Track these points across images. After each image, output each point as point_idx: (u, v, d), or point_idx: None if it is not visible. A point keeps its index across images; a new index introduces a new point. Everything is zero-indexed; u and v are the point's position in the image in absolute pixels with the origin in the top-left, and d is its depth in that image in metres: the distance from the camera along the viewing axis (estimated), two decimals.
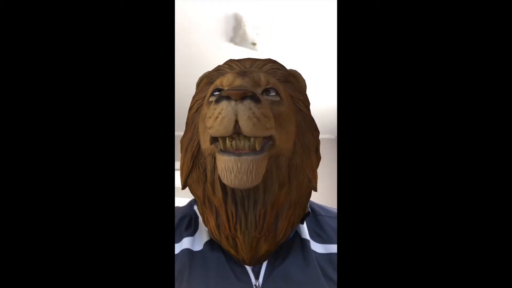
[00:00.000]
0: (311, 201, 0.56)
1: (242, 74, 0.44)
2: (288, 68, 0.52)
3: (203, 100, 0.47)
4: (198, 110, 0.48)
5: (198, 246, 0.48)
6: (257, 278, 0.45)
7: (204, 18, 1.54)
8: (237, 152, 0.38)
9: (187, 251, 0.47)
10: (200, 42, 1.70)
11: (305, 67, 1.87)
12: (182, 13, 1.49)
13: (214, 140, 0.41)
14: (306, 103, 0.50)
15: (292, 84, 0.50)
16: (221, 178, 0.39)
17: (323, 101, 2.23)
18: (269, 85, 0.44)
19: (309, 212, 0.50)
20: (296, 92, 0.49)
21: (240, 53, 1.75)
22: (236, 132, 0.37)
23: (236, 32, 1.62)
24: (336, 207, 0.56)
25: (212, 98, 0.43)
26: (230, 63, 0.50)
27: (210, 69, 0.52)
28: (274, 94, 0.44)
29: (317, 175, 0.47)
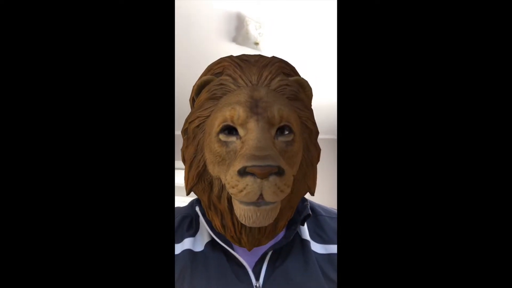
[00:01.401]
0: (311, 201, 0.56)
1: (254, 110, 0.42)
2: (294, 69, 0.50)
3: (206, 118, 0.45)
4: (200, 126, 0.45)
5: (199, 247, 0.49)
6: (257, 279, 0.46)
7: (206, 17, 1.54)
8: (255, 202, 0.39)
9: (188, 252, 0.48)
10: (202, 42, 1.70)
11: (307, 67, 1.87)
12: (184, 12, 1.49)
13: None
14: (312, 117, 0.48)
15: (300, 101, 0.47)
16: (239, 219, 0.40)
17: (323, 101, 2.23)
18: (282, 122, 0.42)
19: (309, 214, 0.50)
20: (304, 110, 0.47)
21: (242, 52, 1.74)
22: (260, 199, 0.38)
23: (239, 31, 1.61)
24: (336, 208, 0.57)
25: (224, 137, 0.42)
26: (233, 73, 0.46)
27: None
28: (287, 132, 0.43)
29: (316, 181, 0.48)
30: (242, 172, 0.37)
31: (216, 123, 0.43)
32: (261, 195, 0.37)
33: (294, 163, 0.43)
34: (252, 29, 1.57)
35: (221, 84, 0.46)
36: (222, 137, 0.42)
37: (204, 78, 0.48)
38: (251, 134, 0.40)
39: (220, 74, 0.47)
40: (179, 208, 0.56)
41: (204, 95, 0.47)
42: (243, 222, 0.40)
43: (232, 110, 0.42)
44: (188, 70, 1.88)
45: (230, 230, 0.44)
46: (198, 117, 0.46)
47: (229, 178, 0.39)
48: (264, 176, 0.37)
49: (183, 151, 0.48)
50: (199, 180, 0.45)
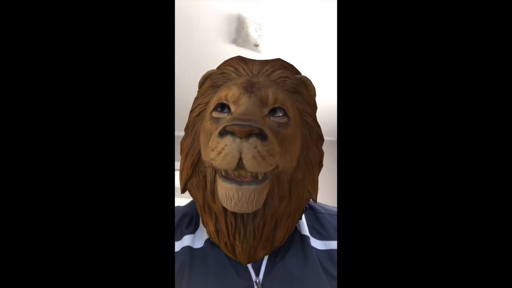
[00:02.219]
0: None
1: (249, 89, 0.41)
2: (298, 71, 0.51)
3: (206, 105, 0.46)
4: (200, 114, 0.46)
5: (198, 244, 0.49)
6: (257, 274, 0.46)
7: (206, 19, 1.54)
8: (238, 180, 0.37)
9: (188, 249, 0.48)
10: (203, 43, 1.70)
11: (307, 69, 1.87)
12: (185, 13, 1.49)
13: None
14: (314, 115, 0.48)
15: (301, 95, 0.47)
16: (221, 202, 0.38)
17: (324, 102, 2.23)
18: (277, 104, 0.42)
19: (305, 207, 0.50)
20: (304, 105, 0.47)
21: (242, 54, 1.75)
22: (240, 167, 0.36)
23: (239, 33, 1.62)
24: (335, 207, 0.57)
25: (216, 114, 0.42)
26: (236, 65, 0.48)
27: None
28: (281, 114, 0.42)
29: (318, 187, 0.46)
30: (222, 132, 0.36)
31: (211, 105, 0.43)
32: (240, 160, 0.35)
33: (287, 149, 0.41)
34: (252, 31, 1.57)
35: (223, 73, 0.47)
36: (214, 114, 0.42)
37: (208, 72, 0.49)
38: (240, 107, 0.40)
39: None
40: (179, 207, 0.56)
41: (206, 84, 0.48)
42: (225, 205, 0.38)
43: (227, 90, 0.42)
44: (188, 71, 1.89)
45: (223, 235, 0.43)
46: (199, 104, 0.46)
47: (210, 143, 0.37)
48: (243, 135, 0.34)
49: (182, 143, 0.48)
50: (193, 172, 0.44)
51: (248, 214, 0.42)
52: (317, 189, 0.46)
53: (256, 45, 1.66)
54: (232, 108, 0.42)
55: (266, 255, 0.45)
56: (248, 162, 0.35)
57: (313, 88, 0.50)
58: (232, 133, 0.35)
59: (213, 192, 0.42)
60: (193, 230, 0.51)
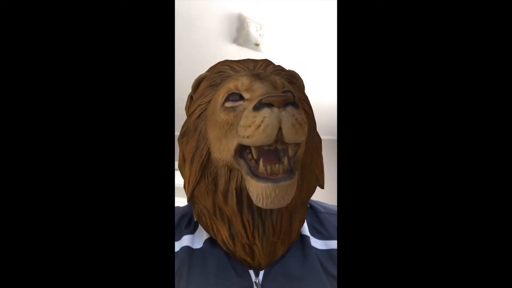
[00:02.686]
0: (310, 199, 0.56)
1: (257, 77, 0.42)
2: (287, 69, 0.52)
3: (207, 104, 0.45)
4: (201, 115, 0.45)
5: (198, 244, 0.48)
6: (257, 275, 0.46)
7: (207, 18, 1.54)
8: (272, 178, 0.37)
9: (187, 249, 0.47)
10: (203, 42, 1.70)
11: (308, 67, 1.87)
12: (185, 13, 1.49)
13: (241, 149, 0.39)
14: (309, 103, 0.49)
15: (295, 85, 0.49)
16: (255, 202, 0.38)
17: (324, 101, 2.22)
18: (285, 88, 0.43)
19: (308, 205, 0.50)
20: (299, 93, 0.48)
21: (243, 53, 1.75)
22: (278, 139, 0.36)
23: (239, 32, 1.62)
24: (335, 206, 0.57)
25: (230, 104, 0.41)
26: (230, 64, 0.48)
27: None
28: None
29: (323, 173, 0.47)
30: (258, 106, 0.35)
31: (220, 97, 0.42)
32: (280, 131, 0.35)
33: (303, 130, 0.40)
34: (253, 30, 1.57)
35: (220, 71, 0.47)
36: (228, 104, 0.41)
37: (200, 75, 0.49)
38: (258, 90, 0.39)
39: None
40: (178, 207, 0.56)
41: (203, 84, 0.48)
42: (259, 204, 0.37)
43: (236, 81, 0.42)
44: (188, 71, 1.88)
45: (241, 236, 0.42)
46: (200, 105, 0.46)
47: (244, 121, 0.36)
48: (281, 104, 0.35)
49: (182, 150, 0.47)
50: (202, 175, 0.42)
51: (266, 209, 0.41)
52: (323, 173, 0.47)
53: (257, 45, 1.65)
54: (246, 95, 0.41)
55: (285, 250, 0.45)
56: (288, 131, 0.35)
57: (302, 81, 0.51)
58: (269, 105, 0.35)
59: (226, 192, 0.41)
60: (192, 230, 0.50)
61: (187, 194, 0.45)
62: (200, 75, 0.49)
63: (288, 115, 0.35)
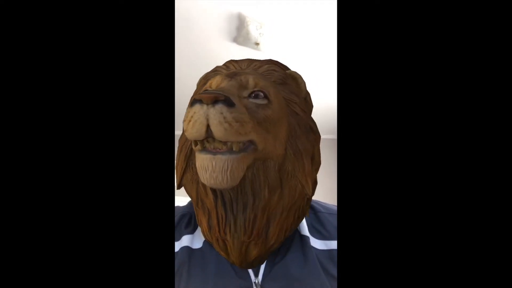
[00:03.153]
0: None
1: (231, 76, 0.43)
2: (291, 69, 0.52)
3: None
4: None
5: (197, 244, 0.49)
6: (256, 275, 0.46)
7: (207, 18, 1.54)
8: (213, 151, 0.38)
9: (186, 249, 0.48)
10: (203, 42, 1.70)
11: (308, 67, 1.87)
12: (185, 12, 1.49)
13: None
14: (303, 106, 0.48)
15: (288, 86, 0.48)
16: (199, 178, 0.38)
17: (324, 101, 2.23)
18: (256, 88, 0.43)
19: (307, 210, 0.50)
20: (291, 95, 0.47)
21: (243, 53, 1.75)
22: (210, 136, 0.36)
23: (239, 31, 1.61)
24: (335, 205, 0.57)
25: None
26: (228, 64, 0.50)
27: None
28: (262, 97, 0.43)
29: (310, 181, 0.45)
30: (192, 102, 0.37)
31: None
32: (209, 128, 0.36)
33: (268, 130, 0.41)
34: (253, 29, 1.57)
35: (215, 70, 0.50)
36: None
37: (206, 73, 0.53)
38: (221, 87, 0.41)
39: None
40: (178, 207, 0.56)
41: (201, 82, 0.52)
42: (202, 179, 0.38)
43: (212, 79, 0.44)
44: (188, 69, 1.88)
45: (215, 230, 0.43)
46: None
47: (185, 116, 0.38)
48: (209, 101, 0.35)
49: (180, 139, 0.49)
50: (187, 165, 0.45)
51: (237, 205, 0.42)
52: (311, 184, 0.45)
53: (257, 44, 1.65)
54: None
55: (259, 254, 0.44)
56: (215, 128, 0.35)
57: (303, 82, 0.51)
58: (200, 101, 0.36)
59: (205, 184, 0.42)
60: (192, 230, 0.50)
61: (176, 182, 0.46)
62: (205, 73, 0.53)
63: (215, 112, 0.35)
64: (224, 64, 0.51)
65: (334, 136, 2.81)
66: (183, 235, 0.49)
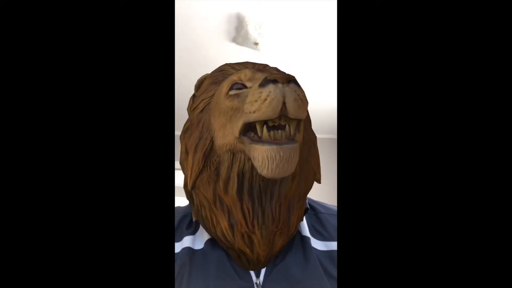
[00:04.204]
0: (310, 198, 0.57)
1: (259, 70, 0.45)
2: (291, 69, 0.54)
3: (210, 98, 0.47)
4: (204, 109, 0.47)
5: (199, 245, 0.48)
6: (258, 276, 0.46)
7: (206, 18, 1.54)
8: (277, 142, 0.39)
9: (188, 250, 0.48)
10: (202, 42, 1.70)
11: (308, 67, 1.87)
12: (184, 12, 1.49)
13: (246, 129, 0.41)
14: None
15: None
16: (259, 169, 0.39)
17: (323, 100, 2.23)
18: None
19: (307, 208, 0.50)
20: None
21: (242, 53, 1.75)
22: (282, 114, 0.38)
23: (238, 31, 1.62)
24: (335, 206, 0.57)
25: (233, 92, 0.43)
26: (231, 65, 0.50)
27: (213, 68, 0.52)
28: None
29: (320, 167, 0.48)
30: (264, 83, 0.38)
31: (224, 88, 0.45)
32: (284, 105, 0.37)
33: (304, 106, 0.43)
34: (252, 29, 1.57)
35: (222, 70, 0.50)
36: (232, 92, 0.44)
37: (203, 75, 0.52)
38: (261, 77, 0.41)
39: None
40: (179, 207, 0.56)
41: (206, 82, 0.50)
42: (264, 171, 0.38)
43: (238, 73, 0.45)
44: (188, 69, 1.88)
45: (241, 225, 0.43)
46: (203, 99, 0.48)
47: (250, 97, 0.39)
48: (285, 80, 0.37)
49: (185, 143, 0.48)
50: (205, 164, 0.44)
51: (266, 196, 0.42)
52: (320, 168, 0.48)
53: (256, 44, 1.65)
54: (249, 84, 0.43)
55: (283, 245, 0.45)
56: (291, 105, 0.37)
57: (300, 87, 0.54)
58: (274, 81, 0.37)
59: (228, 180, 0.42)
60: (193, 231, 0.50)
61: (189, 185, 0.45)
62: (202, 75, 0.52)
63: (291, 90, 0.37)
64: (228, 66, 0.51)
65: (334, 136, 2.81)
66: (185, 236, 0.49)
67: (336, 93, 2.10)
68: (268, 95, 0.37)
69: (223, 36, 1.66)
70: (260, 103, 0.37)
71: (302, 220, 0.48)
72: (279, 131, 0.39)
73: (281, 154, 0.38)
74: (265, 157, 0.38)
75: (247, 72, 0.44)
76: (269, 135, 0.39)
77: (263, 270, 0.46)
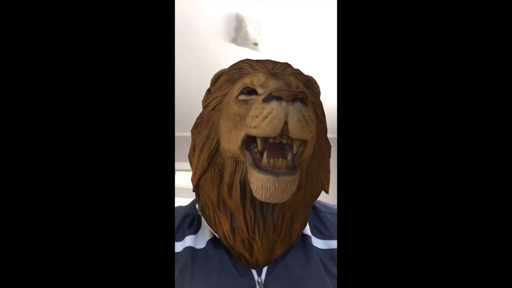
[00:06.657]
0: None
1: (274, 75, 0.43)
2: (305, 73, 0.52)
3: (223, 97, 0.46)
4: (215, 107, 0.46)
5: (200, 244, 0.48)
6: (259, 274, 0.46)
7: (205, 18, 1.54)
8: (274, 171, 0.37)
9: (190, 249, 0.48)
10: (202, 42, 1.70)
11: (307, 66, 1.86)
12: (184, 12, 1.49)
13: (249, 141, 0.40)
14: (322, 109, 0.50)
15: (311, 90, 0.49)
16: (254, 193, 0.38)
17: (324, 100, 2.22)
18: (299, 89, 0.42)
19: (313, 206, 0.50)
20: (314, 98, 0.48)
21: (242, 53, 1.75)
22: (284, 133, 0.36)
23: (238, 32, 1.62)
24: (336, 205, 0.57)
25: (243, 97, 0.42)
26: (250, 63, 0.49)
27: (212, 69, 0.51)
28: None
29: (329, 179, 0.47)
30: (268, 98, 0.36)
31: (235, 90, 0.43)
32: (285, 125, 0.35)
33: (309, 128, 0.41)
34: (251, 30, 1.57)
35: (239, 68, 0.48)
36: (241, 97, 0.42)
37: (221, 70, 0.50)
38: (272, 86, 0.40)
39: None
40: (180, 207, 0.56)
41: (222, 79, 0.49)
42: (258, 196, 0.38)
43: (252, 76, 0.43)
44: (187, 70, 1.88)
45: (241, 231, 0.42)
46: (215, 97, 0.47)
47: (252, 111, 0.37)
48: (290, 99, 0.35)
49: (194, 140, 0.47)
50: (209, 165, 0.43)
51: (267, 205, 0.42)
52: (329, 179, 0.47)
53: (255, 44, 1.65)
54: (260, 90, 0.42)
55: (283, 252, 0.45)
56: (293, 126, 0.35)
57: (318, 87, 0.52)
58: (278, 98, 0.36)
59: (231, 185, 0.42)
60: (195, 230, 0.50)
61: (193, 184, 0.45)
62: (220, 70, 0.50)
63: (295, 110, 0.35)
64: (246, 63, 0.49)
65: (334, 135, 2.81)
66: (186, 235, 0.49)
67: (336, 93, 2.09)
68: (269, 113, 0.36)
69: (223, 36, 1.66)
70: (260, 119, 0.36)
71: (305, 227, 0.47)
72: (280, 159, 0.38)
73: (277, 185, 0.37)
74: (259, 186, 0.37)
75: (261, 77, 0.42)
76: (268, 163, 0.38)
77: (264, 269, 0.46)
